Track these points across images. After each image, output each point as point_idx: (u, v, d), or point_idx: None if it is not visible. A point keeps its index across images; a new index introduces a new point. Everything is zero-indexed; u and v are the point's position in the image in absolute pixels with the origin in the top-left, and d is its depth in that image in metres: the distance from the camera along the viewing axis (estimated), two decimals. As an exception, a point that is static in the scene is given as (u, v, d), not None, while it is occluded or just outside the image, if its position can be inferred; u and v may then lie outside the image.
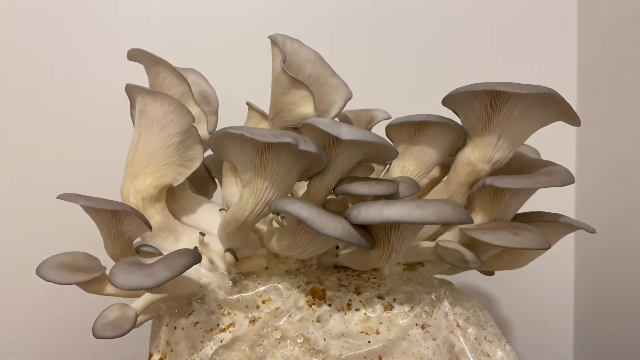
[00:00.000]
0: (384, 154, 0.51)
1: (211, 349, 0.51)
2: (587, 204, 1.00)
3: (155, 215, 0.54)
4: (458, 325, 0.51)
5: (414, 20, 1.00)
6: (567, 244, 1.03)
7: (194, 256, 0.45)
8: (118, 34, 0.92)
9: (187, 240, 0.55)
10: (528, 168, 0.61)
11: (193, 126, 0.54)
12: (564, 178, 0.55)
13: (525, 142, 0.60)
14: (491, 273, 0.68)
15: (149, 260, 0.48)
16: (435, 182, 0.64)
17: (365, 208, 0.45)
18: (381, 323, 0.51)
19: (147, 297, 0.52)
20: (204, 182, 0.68)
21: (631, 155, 0.86)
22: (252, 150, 0.46)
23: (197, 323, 0.52)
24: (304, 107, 0.57)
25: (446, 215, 0.44)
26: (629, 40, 0.87)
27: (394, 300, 0.52)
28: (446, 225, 0.63)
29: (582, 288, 1.01)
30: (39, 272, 0.51)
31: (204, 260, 0.54)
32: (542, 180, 0.54)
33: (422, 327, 0.51)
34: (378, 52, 0.99)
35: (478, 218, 0.58)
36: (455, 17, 1.00)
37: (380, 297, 0.52)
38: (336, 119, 0.65)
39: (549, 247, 0.53)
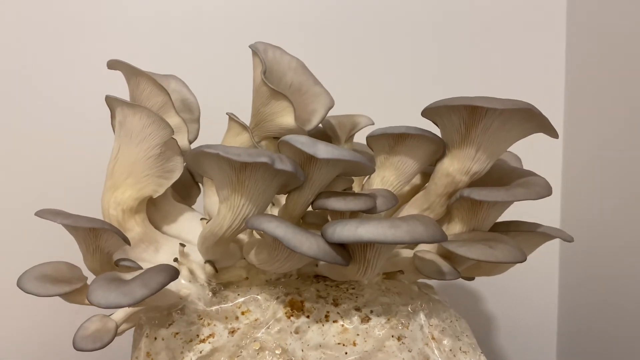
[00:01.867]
0: (360, 170, 0.52)
1: (191, 359, 0.52)
2: (572, 201, 1.01)
3: (136, 226, 0.54)
4: (433, 338, 0.52)
5: (403, 23, 1.00)
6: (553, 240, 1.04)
7: (171, 274, 0.46)
8: (102, 39, 0.91)
9: (168, 251, 0.56)
10: (507, 177, 0.61)
11: (172, 138, 0.54)
12: (541, 190, 0.56)
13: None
14: (471, 278, 0.69)
15: (128, 276, 0.48)
16: (416, 190, 0.65)
17: (340, 227, 0.45)
18: (358, 334, 0.52)
19: (128, 308, 0.53)
20: (187, 186, 0.69)
21: (616, 155, 0.87)
22: (228, 167, 0.46)
23: (177, 334, 0.53)
24: (285, 118, 0.57)
25: (419, 235, 0.44)
26: (618, 40, 0.87)
27: (371, 312, 0.53)
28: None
29: (567, 283, 1.03)
30: (19, 283, 0.52)
31: (184, 271, 0.55)
32: (518, 192, 0.55)
33: (398, 339, 0.52)
34: (365, 54, 0.99)
35: (457, 228, 0.59)
36: (446, 17, 1.00)
37: (358, 309, 0.53)
38: (320, 125, 0.66)
39: (525, 260, 0.53)
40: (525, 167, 1.00)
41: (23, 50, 0.90)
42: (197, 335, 0.53)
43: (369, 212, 0.51)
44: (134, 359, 0.53)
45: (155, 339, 0.53)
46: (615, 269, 0.87)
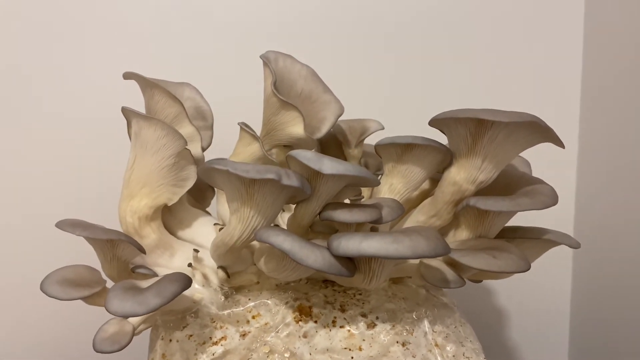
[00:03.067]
0: (366, 183, 0.53)
1: (204, 361, 0.54)
2: (586, 204, 1.01)
3: (152, 233, 0.57)
4: (436, 344, 0.54)
5: (416, 28, 0.99)
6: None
7: (184, 283, 0.48)
8: (115, 43, 0.93)
9: (182, 256, 0.58)
10: (515, 184, 0.62)
11: (186, 148, 0.56)
12: (546, 200, 0.56)
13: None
14: (479, 281, 0.70)
15: (144, 283, 0.51)
16: (425, 195, 0.66)
17: (345, 240, 0.47)
18: (364, 340, 0.54)
19: (144, 311, 0.55)
20: (202, 190, 0.71)
21: (632, 160, 0.87)
22: (238, 182, 0.48)
23: (191, 336, 0.56)
24: (294, 127, 0.58)
25: (421, 250, 0.46)
26: (636, 44, 0.86)
27: (377, 318, 0.55)
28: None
29: (580, 277, 1.03)
30: (42, 287, 0.54)
31: (198, 275, 0.57)
32: (523, 202, 0.56)
33: (403, 345, 0.54)
34: (377, 59, 0.99)
35: (464, 234, 0.60)
36: (456, 16, 1.00)
37: (364, 315, 0.55)
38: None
39: (528, 269, 0.54)
40: (540, 172, 1.02)
41: (48, 58, 0.93)
42: (210, 338, 0.55)
43: (376, 222, 0.52)
44: (150, 359, 0.56)
45: (170, 340, 0.56)
46: (630, 268, 0.87)
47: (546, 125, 0.53)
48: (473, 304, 1.06)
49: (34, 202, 0.93)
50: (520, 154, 0.69)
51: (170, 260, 0.58)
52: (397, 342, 0.54)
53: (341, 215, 0.51)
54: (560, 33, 1.00)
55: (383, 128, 0.70)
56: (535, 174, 0.97)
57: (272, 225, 0.52)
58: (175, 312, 0.56)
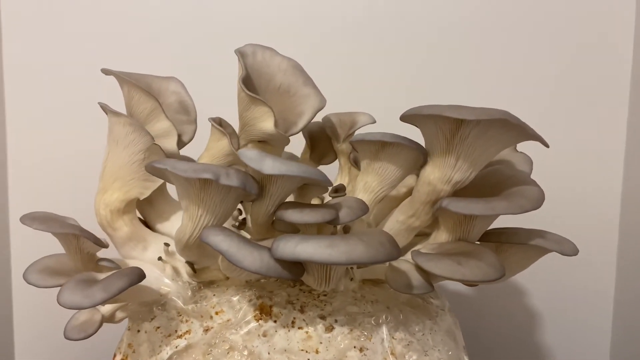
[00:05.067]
0: (318, 182, 0.51)
1: (167, 353, 0.55)
2: (633, 202, 0.93)
3: (124, 226, 0.58)
4: (392, 353, 0.52)
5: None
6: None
7: (131, 278, 0.49)
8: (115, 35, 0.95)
9: (155, 249, 0.59)
10: (504, 184, 0.58)
11: (155, 144, 0.57)
12: (524, 204, 0.52)
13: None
14: (475, 284, 0.66)
15: (102, 276, 0.52)
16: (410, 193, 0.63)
17: (282, 243, 0.45)
18: (321, 343, 0.53)
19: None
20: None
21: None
22: (184, 181, 0.48)
23: (158, 328, 0.57)
24: (264, 123, 0.57)
25: (357, 256, 0.44)
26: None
27: (336, 321, 0.53)
28: (420, 235, 0.63)
29: (624, 276, 0.96)
30: (24, 275, 0.58)
31: (168, 269, 0.58)
32: (498, 206, 0.52)
33: (360, 350, 0.52)
34: (394, 55, 0.96)
35: (443, 237, 0.57)
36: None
37: (322, 317, 0.54)
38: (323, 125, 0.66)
39: (498, 277, 0.51)
40: (586, 168, 0.95)
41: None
42: (176, 331, 0.56)
43: (331, 223, 0.51)
44: (117, 349, 0.58)
45: (139, 331, 0.57)
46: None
47: (518, 122, 0.48)
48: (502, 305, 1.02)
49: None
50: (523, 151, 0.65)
51: (143, 253, 0.59)
52: (355, 347, 0.52)
53: (291, 215, 0.50)
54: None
55: (374, 122, 0.68)
56: (581, 170, 0.91)
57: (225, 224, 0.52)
58: (145, 304, 0.58)
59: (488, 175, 0.60)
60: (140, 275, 0.50)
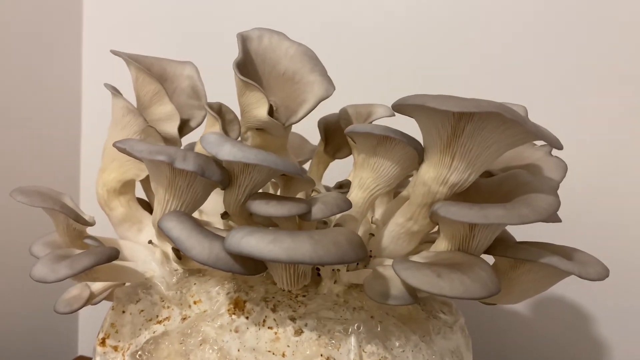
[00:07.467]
0: (286, 172, 0.47)
1: (144, 337, 0.55)
2: None
3: (119, 207, 0.59)
4: (357, 367, 0.47)
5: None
6: None
7: (97, 258, 0.48)
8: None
9: (150, 232, 0.59)
10: (519, 191, 0.51)
11: (151, 126, 0.56)
12: (526, 213, 0.45)
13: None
14: (492, 303, 0.59)
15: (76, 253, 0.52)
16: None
17: (232, 234, 0.43)
18: (288, 346, 0.49)
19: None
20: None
21: None
22: (150, 163, 0.47)
23: (142, 311, 0.56)
24: (258, 110, 0.55)
25: (300, 256, 0.39)
26: None
27: (306, 325, 0.49)
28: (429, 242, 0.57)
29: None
30: (30, 248, 0.60)
31: (158, 253, 0.57)
32: (493, 214, 0.45)
33: (327, 359, 0.48)
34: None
35: (442, 245, 0.52)
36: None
37: (293, 319, 0.50)
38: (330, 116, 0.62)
39: (483, 296, 0.44)
40: None
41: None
42: (157, 316, 0.55)
43: (302, 218, 0.47)
44: (100, 328, 0.58)
45: (124, 312, 0.57)
46: None
47: (513, 117, 0.41)
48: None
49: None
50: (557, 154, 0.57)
51: (138, 234, 0.59)
52: (322, 354, 0.48)
53: (257, 206, 0.47)
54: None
55: (392, 115, 0.62)
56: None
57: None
58: (132, 285, 0.58)
59: (506, 180, 0.53)
60: (110, 256, 0.50)
